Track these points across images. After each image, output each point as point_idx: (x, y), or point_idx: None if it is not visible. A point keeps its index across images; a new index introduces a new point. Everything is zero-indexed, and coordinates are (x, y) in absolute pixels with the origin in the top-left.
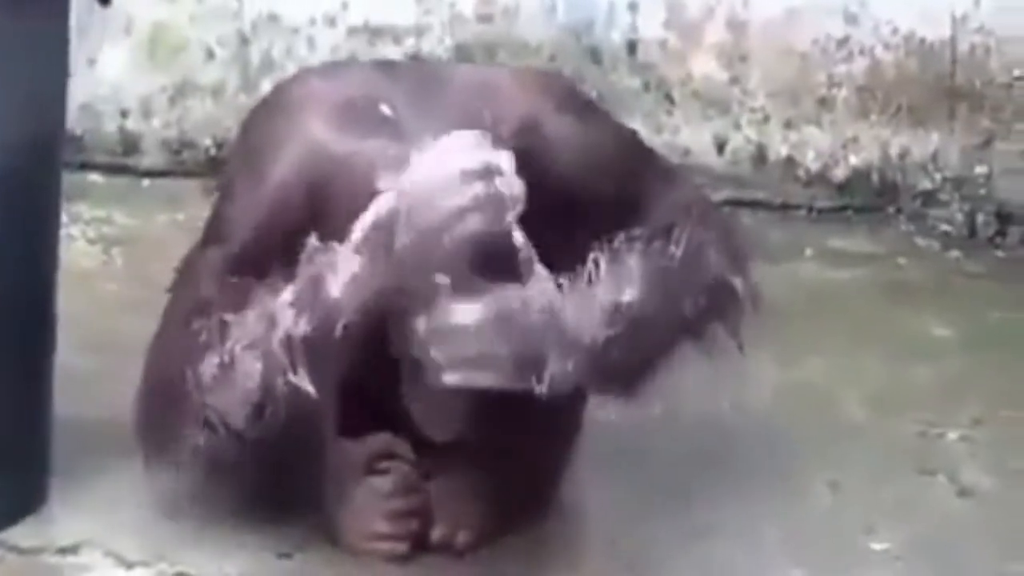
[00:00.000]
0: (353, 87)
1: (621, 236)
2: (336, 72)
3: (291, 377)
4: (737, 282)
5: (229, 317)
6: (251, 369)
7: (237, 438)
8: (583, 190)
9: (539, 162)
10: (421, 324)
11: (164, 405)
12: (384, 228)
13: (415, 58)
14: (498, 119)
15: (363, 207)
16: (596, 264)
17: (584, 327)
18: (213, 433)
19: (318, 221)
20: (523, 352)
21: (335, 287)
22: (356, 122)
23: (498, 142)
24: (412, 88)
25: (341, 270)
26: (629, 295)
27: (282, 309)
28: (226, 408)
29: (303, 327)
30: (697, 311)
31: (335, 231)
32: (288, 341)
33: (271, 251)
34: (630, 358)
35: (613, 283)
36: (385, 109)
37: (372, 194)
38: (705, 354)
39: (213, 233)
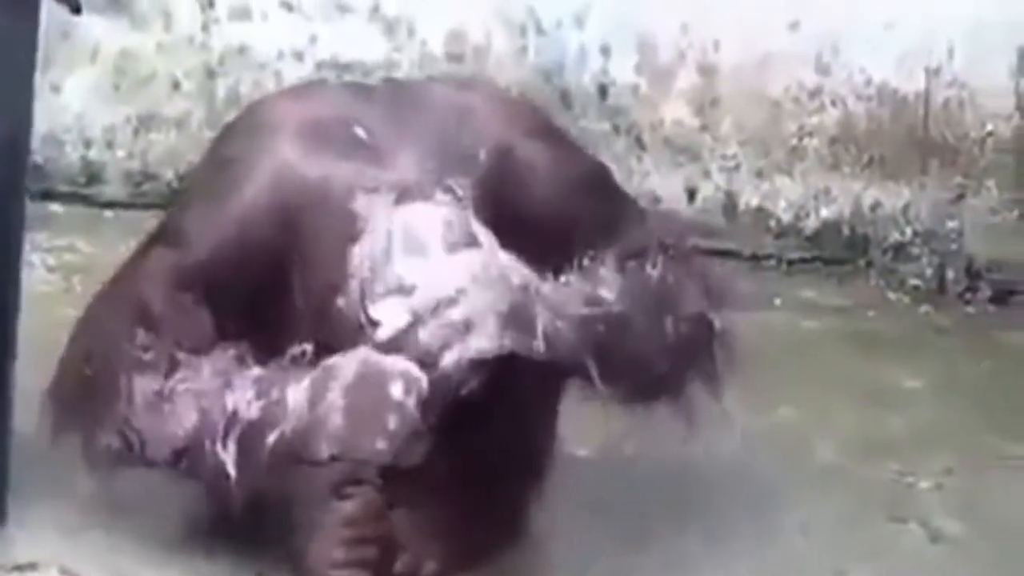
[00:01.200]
0: (326, 108)
1: (593, 253)
2: (309, 93)
3: (219, 451)
4: (715, 319)
5: (180, 355)
6: (186, 417)
7: (148, 464)
8: (554, 215)
9: (512, 186)
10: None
11: (87, 393)
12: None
13: (388, 79)
14: (472, 142)
15: (336, 230)
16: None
17: (564, 301)
18: (127, 448)
19: (287, 244)
20: (513, 309)
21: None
22: (329, 144)
23: (472, 165)
24: (386, 110)
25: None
26: (605, 292)
27: (243, 388)
28: (148, 436)
29: (254, 413)
30: (678, 338)
31: (304, 255)
32: (232, 417)
33: (224, 277)
34: (615, 346)
35: (588, 282)
36: (359, 131)
37: (347, 216)
38: (684, 397)
39: (165, 234)
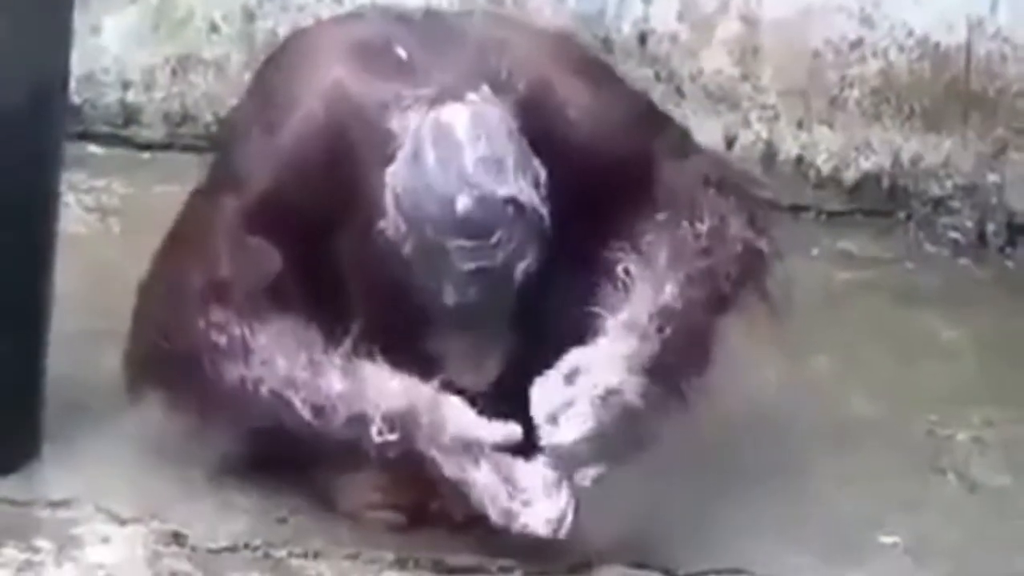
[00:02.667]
0: (369, 31)
1: (647, 227)
2: (351, 19)
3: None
4: (762, 243)
5: (253, 338)
6: (266, 410)
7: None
8: (594, 152)
9: (550, 120)
10: None
11: (166, 367)
12: None
13: (429, 11)
14: (511, 74)
15: (376, 149)
16: (627, 272)
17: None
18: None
19: (336, 164)
20: None
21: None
22: (375, 64)
23: (510, 92)
24: (427, 37)
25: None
26: (668, 295)
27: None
28: (231, 426)
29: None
30: (730, 282)
31: (351, 173)
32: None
33: (290, 204)
34: (681, 350)
35: (650, 288)
36: (400, 51)
37: (385, 134)
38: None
39: (224, 176)
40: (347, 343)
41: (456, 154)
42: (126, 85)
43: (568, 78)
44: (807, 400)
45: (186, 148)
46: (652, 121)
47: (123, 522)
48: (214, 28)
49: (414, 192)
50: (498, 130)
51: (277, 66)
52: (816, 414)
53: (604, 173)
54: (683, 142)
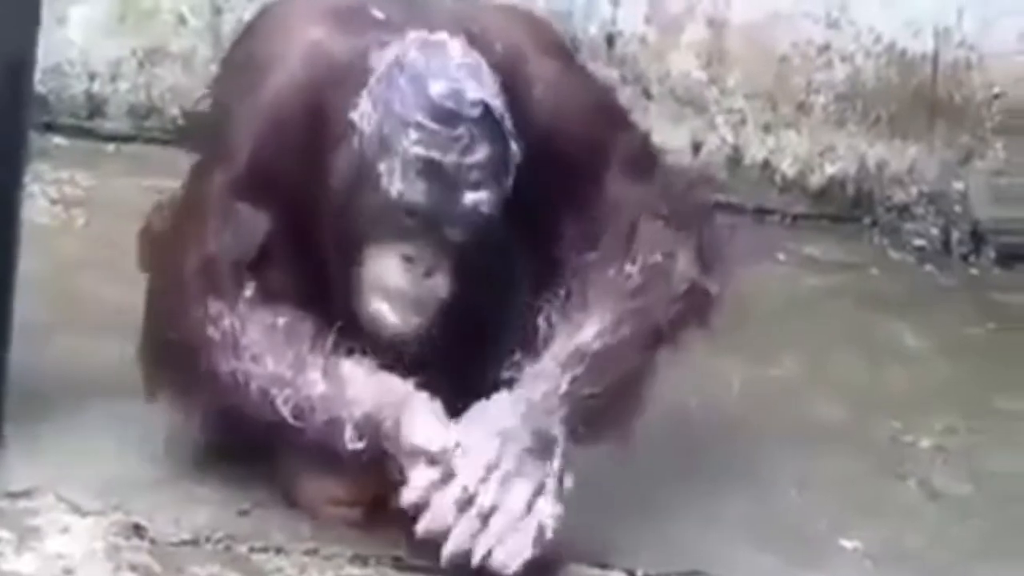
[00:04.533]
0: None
1: (580, 262)
2: None
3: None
4: (710, 283)
5: (246, 341)
6: (255, 406)
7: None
8: (551, 136)
9: (518, 92)
10: None
11: (174, 357)
12: None
13: None
14: (487, 37)
15: (355, 89)
16: (548, 320)
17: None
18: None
19: (316, 120)
20: None
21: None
22: (350, 24)
23: (487, 55)
24: (399, 7)
25: None
26: (590, 337)
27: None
28: (228, 421)
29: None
30: (669, 321)
31: (331, 129)
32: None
33: (274, 165)
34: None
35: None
36: (377, 13)
37: (363, 72)
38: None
39: (212, 154)
40: (330, 338)
41: (440, 55)
42: (92, 77)
43: (539, 55)
44: (771, 404)
45: (151, 141)
46: (614, 119)
47: (84, 513)
48: (181, 21)
49: (391, 80)
50: (482, 60)
51: (252, 34)
52: (780, 418)
53: (557, 163)
54: (642, 152)
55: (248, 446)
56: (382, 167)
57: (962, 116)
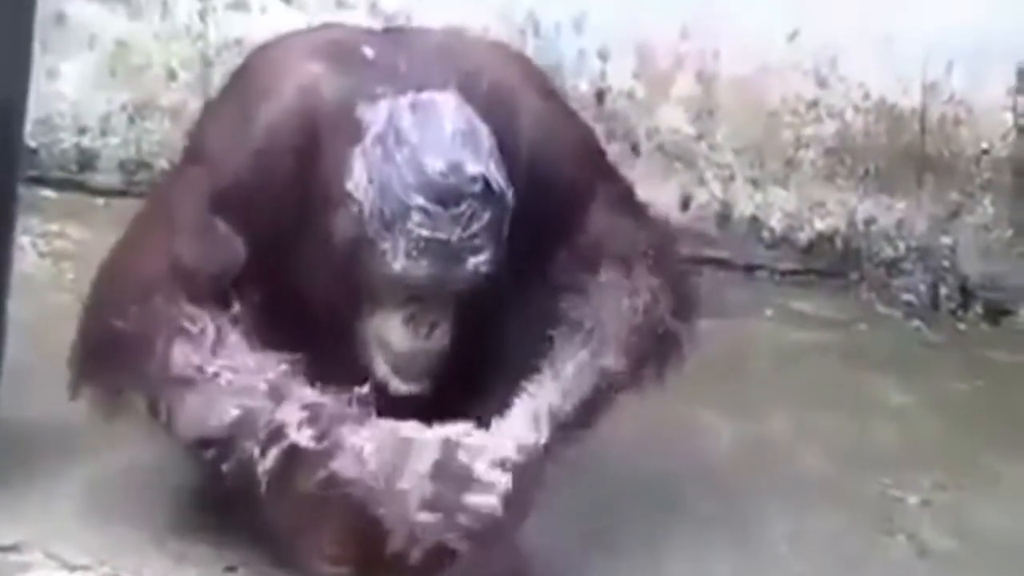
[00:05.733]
0: (338, 36)
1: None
2: (321, 28)
3: (257, 459)
4: (682, 332)
5: (225, 334)
6: (225, 411)
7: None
8: (544, 160)
9: (506, 124)
10: None
11: (117, 346)
12: None
13: (390, 27)
14: (474, 74)
15: (345, 136)
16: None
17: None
18: (154, 415)
19: (305, 152)
20: None
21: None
22: (343, 61)
23: (474, 94)
24: (391, 43)
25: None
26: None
27: (293, 405)
28: (179, 414)
29: (305, 440)
30: (644, 363)
31: (319, 163)
32: (278, 432)
33: (257, 190)
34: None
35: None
36: (368, 52)
37: (354, 123)
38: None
39: (197, 149)
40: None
41: (435, 122)
42: (82, 130)
43: (527, 88)
44: (760, 459)
45: (141, 195)
46: (599, 156)
47: (72, 568)
48: (171, 75)
49: (387, 152)
50: (474, 116)
51: (248, 69)
52: (769, 473)
53: (544, 192)
54: (625, 192)
55: (236, 502)
56: (386, 245)
57: (951, 172)
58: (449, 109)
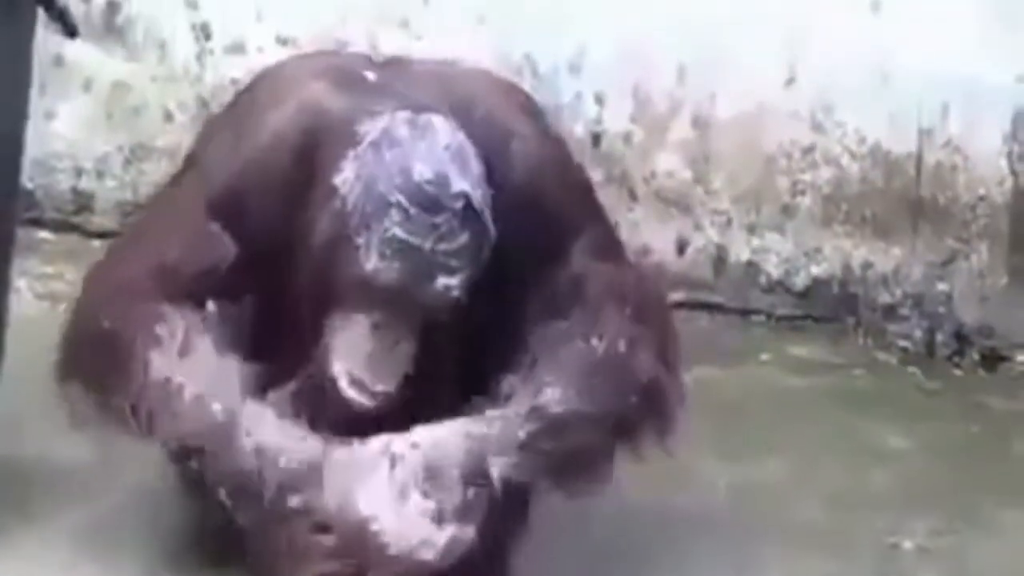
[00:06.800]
0: (340, 60)
1: (548, 332)
2: (323, 53)
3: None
4: (669, 382)
5: (194, 337)
6: (197, 421)
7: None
8: (532, 186)
9: (497, 149)
10: None
11: (102, 346)
12: None
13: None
14: (469, 101)
15: (341, 149)
16: (511, 384)
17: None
18: (135, 420)
19: (301, 165)
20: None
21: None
22: (345, 83)
23: (468, 122)
24: (391, 69)
25: None
26: (550, 396)
27: (263, 420)
28: (156, 422)
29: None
30: (631, 412)
31: (318, 190)
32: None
33: (253, 201)
34: (558, 450)
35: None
36: (370, 75)
37: (351, 136)
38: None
39: (195, 157)
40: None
41: (430, 135)
42: (79, 172)
43: (518, 114)
44: (756, 505)
45: None
46: (587, 199)
47: None
48: (168, 117)
49: (378, 154)
50: (467, 143)
51: (252, 88)
52: (765, 520)
53: (529, 220)
54: (609, 235)
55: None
56: (360, 241)
57: (947, 218)
58: (444, 128)
